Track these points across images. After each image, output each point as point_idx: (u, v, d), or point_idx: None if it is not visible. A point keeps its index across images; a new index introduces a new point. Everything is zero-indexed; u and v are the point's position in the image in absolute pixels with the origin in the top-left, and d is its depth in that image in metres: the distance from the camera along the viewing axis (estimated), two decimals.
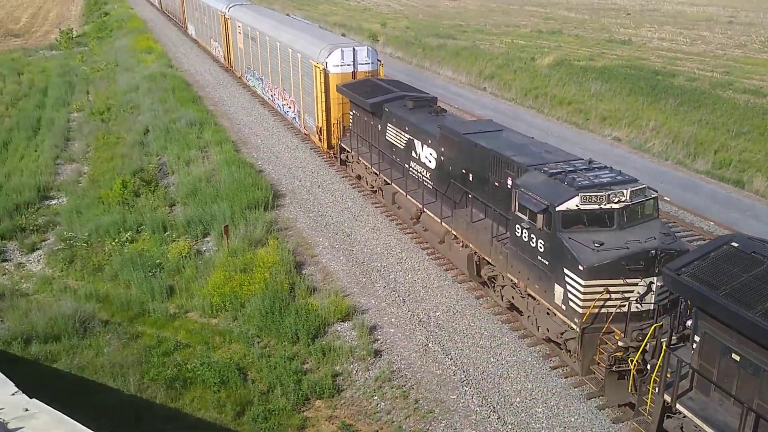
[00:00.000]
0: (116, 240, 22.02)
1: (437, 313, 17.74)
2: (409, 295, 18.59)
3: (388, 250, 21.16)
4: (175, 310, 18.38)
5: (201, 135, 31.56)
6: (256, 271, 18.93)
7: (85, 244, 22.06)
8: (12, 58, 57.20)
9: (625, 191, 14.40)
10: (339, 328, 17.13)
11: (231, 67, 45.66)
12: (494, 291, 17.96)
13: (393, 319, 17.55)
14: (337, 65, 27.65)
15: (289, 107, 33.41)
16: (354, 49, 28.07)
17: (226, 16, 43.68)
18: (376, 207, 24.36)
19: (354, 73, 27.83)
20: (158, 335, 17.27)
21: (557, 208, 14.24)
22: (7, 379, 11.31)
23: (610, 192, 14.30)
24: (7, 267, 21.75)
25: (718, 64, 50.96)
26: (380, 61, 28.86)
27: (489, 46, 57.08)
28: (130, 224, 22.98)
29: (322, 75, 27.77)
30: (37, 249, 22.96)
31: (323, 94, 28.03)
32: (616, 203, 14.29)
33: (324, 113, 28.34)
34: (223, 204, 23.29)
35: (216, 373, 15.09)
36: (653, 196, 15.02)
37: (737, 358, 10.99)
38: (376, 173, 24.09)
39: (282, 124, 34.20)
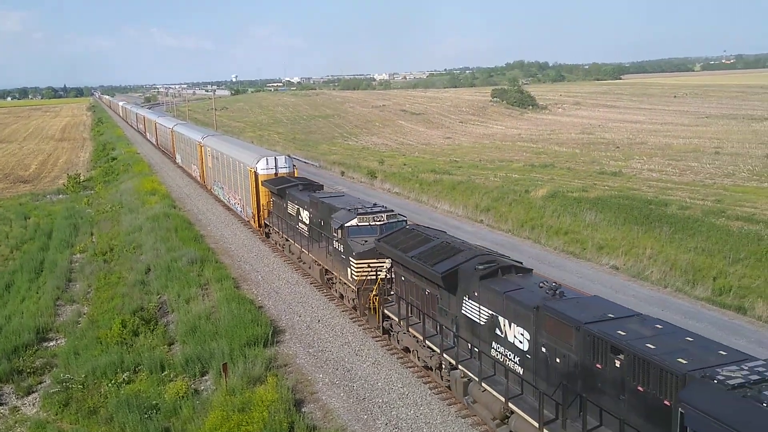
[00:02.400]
0: (113, 381, 21.67)
1: None
2: None
3: (390, 385, 20.77)
4: None
5: (202, 272, 31.76)
6: (254, 410, 18.49)
7: (81, 386, 21.68)
8: (20, 203, 58.73)
9: (384, 216, 25.55)
10: None
11: (204, 182, 57.64)
12: (332, 289, 28.66)
13: None
14: (264, 168, 38.75)
15: (237, 203, 44.73)
16: (275, 157, 39.60)
17: (201, 144, 56.39)
18: (377, 341, 24.17)
19: (276, 174, 38.72)
20: None
21: (345, 225, 25.41)
22: None
23: (374, 215, 25.46)
24: (1, 411, 21.26)
25: (709, 193, 52.22)
26: (295, 166, 40.31)
27: (484, 180, 58.73)
28: (128, 364, 22.70)
29: (254, 176, 38.80)
30: (33, 392, 22.54)
31: (254, 189, 38.84)
32: (378, 222, 25.28)
33: (255, 202, 39.11)
34: (222, 341, 23.11)
35: None
36: (403, 220, 25.84)
37: (403, 278, 21.60)
38: (281, 235, 34.94)
39: (282, 260, 34.62)
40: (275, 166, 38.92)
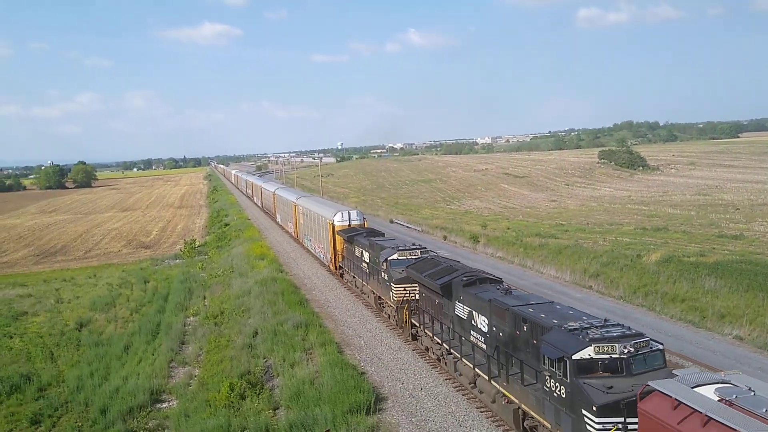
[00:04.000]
0: None
1: None
2: None
3: None
4: None
5: (306, 337, 32.01)
6: None
7: None
8: (141, 267, 62.15)
9: (418, 251, 32.49)
10: None
11: (297, 236, 65.69)
12: (383, 311, 35.16)
13: None
14: (339, 221, 46.21)
15: (320, 250, 52.12)
16: (349, 211, 47.62)
17: (296, 204, 64.96)
18: (481, 411, 23.43)
19: (349, 225, 45.88)
20: None
21: (389, 258, 32.02)
22: None
23: (410, 251, 32.62)
24: None
25: None
26: (365, 218, 47.97)
27: (592, 244, 56.80)
28: (235, 428, 23.02)
29: (331, 227, 46.42)
30: None
31: (332, 238, 46.33)
32: (413, 256, 31.87)
33: (332, 248, 46.62)
34: (325, 407, 23.08)
35: None
36: (426, 249, 33.11)
37: (424, 294, 27.50)
38: (350, 274, 42.02)
39: (383, 324, 34.57)
40: (348, 218, 46.57)
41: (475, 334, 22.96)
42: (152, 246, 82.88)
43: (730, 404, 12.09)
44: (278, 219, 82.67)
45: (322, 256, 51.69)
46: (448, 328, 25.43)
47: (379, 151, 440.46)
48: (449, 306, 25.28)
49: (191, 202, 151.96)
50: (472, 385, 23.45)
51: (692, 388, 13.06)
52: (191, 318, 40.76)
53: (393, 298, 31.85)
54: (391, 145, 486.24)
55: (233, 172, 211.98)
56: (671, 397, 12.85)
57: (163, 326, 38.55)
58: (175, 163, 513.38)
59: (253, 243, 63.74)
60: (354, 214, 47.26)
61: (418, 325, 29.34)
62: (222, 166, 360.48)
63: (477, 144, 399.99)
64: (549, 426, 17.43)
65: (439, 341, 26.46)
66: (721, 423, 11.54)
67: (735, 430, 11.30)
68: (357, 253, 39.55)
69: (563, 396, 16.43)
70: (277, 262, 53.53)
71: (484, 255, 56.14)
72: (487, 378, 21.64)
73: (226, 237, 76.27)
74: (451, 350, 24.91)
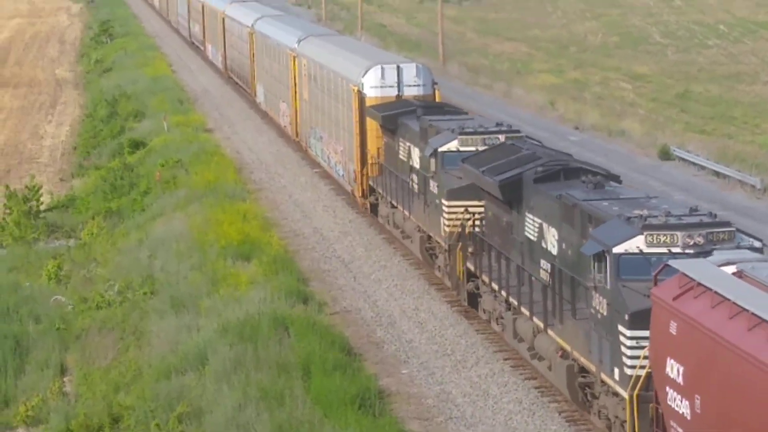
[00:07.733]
0: None
1: None
2: None
3: None
4: None
5: None
6: None
7: None
8: None
9: (500, 137, 19.33)
10: None
11: (297, 136, 35.60)
12: (434, 265, 20.73)
13: None
14: (375, 86, 24.83)
15: (338, 161, 28.41)
16: (398, 66, 25.34)
17: (295, 54, 33.91)
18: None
19: (399, 96, 24.72)
20: None
21: (439, 150, 19.10)
22: None
23: (485, 136, 19.51)
24: None
25: None
26: (436, 84, 25.88)
27: None
28: None
29: (358, 99, 24.63)
30: None
31: (358, 124, 24.72)
32: (487, 145, 19.39)
33: (358, 150, 24.94)
34: None
35: None
36: (519, 133, 20.14)
37: (491, 213, 17.61)
38: (386, 202, 23.82)
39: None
40: (397, 82, 24.70)
41: (544, 264, 14.94)
42: None
43: (741, 275, 9.65)
44: (260, 99, 42.62)
45: (342, 172, 27.84)
46: (508, 263, 16.18)
47: None
48: (519, 224, 16.29)
49: (34, 72, 65.22)
50: (530, 348, 15.24)
51: (719, 266, 10.15)
52: None
53: (444, 230, 18.59)
54: None
55: None
56: (680, 272, 10.18)
57: None
58: None
59: (220, 205, 26.17)
60: (409, 70, 25.03)
61: (474, 271, 17.92)
62: None
63: None
64: (594, 368, 12.68)
65: (497, 288, 16.49)
66: (715, 292, 9.00)
67: (723, 296, 8.84)
68: (402, 155, 22.44)
69: (605, 314, 12.18)
70: (290, 265, 21.73)
71: None
72: (542, 327, 14.35)
73: (137, 181, 32.80)
74: (510, 299, 15.90)
